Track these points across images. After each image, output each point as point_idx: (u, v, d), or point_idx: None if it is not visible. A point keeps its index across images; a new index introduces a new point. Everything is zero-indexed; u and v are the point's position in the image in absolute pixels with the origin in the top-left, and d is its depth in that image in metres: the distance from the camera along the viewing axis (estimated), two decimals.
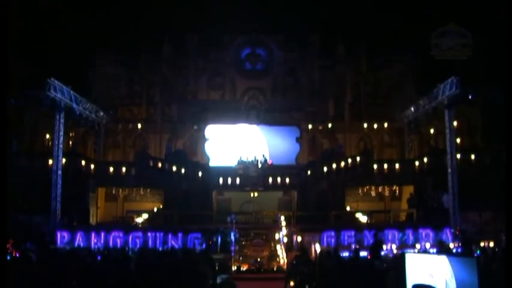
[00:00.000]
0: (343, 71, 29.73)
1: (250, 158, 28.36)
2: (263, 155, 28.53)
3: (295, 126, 29.63)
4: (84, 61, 28.90)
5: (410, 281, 6.58)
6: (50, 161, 22.22)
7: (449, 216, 20.65)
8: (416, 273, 6.60)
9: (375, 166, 25.77)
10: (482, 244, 17.92)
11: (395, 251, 17.68)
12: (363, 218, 23.84)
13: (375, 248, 14.99)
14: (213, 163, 28.55)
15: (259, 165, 26.57)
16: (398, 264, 9.19)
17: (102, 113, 26.99)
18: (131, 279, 8.65)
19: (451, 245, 18.97)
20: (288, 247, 19.15)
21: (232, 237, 19.21)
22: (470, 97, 22.25)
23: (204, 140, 29.38)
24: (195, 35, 30.31)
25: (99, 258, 13.35)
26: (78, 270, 9.02)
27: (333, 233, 19.87)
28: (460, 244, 18.28)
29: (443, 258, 6.26)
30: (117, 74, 29.86)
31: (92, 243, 19.68)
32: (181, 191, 25.16)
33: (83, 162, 25.32)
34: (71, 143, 25.86)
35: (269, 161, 26.71)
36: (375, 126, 29.18)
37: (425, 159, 25.31)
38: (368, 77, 30.03)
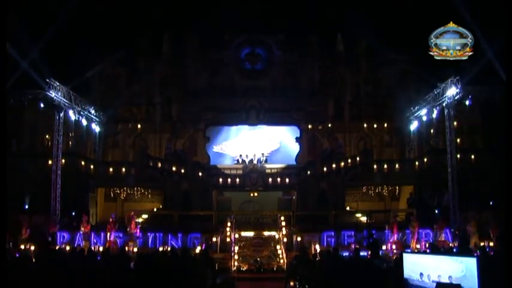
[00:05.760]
0: (343, 71, 29.72)
1: (250, 158, 28.44)
2: (263, 155, 28.56)
3: (295, 126, 29.63)
4: (84, 61, 28.83)
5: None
6: (50, 161, 22.20)
7: (449, 216, 20.62)
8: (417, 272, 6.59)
9: (375, 166, 25.78)
10: (482, 244, 17.94)
11: (395, 251, 17.71)
12: (362, 218, 23.83)
13: (373, 246, 14.95)
14: (213, 163, 28.54)
15: (259, 165, 26.57)
16: (397, 264, 9.20)
17: (101, 113, 26.99)
18: (131, 279, 8.64)
19: (451, 245, 18.98)
20: (288, 247, 19.15)
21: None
22: (470, 97, 22.28)
23: (204, 140, 29.37)
24: (195, 34, 30.28)
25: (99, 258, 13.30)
26: (78, 270, 9.00)
27: (332, 233, 19.87)
28: (458, 243, 18.29)
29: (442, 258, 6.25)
30: (117, 74, 29.81)
31: (92, 243, 19.68)
32: (181, 191, 25.17)
33: (83, 163, 25.33)
34: (70, 143, 25.84)
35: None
36: (375, 126, 29.15)
37: (425, 159, 25.30)
38: (368, 77, 29.98)
